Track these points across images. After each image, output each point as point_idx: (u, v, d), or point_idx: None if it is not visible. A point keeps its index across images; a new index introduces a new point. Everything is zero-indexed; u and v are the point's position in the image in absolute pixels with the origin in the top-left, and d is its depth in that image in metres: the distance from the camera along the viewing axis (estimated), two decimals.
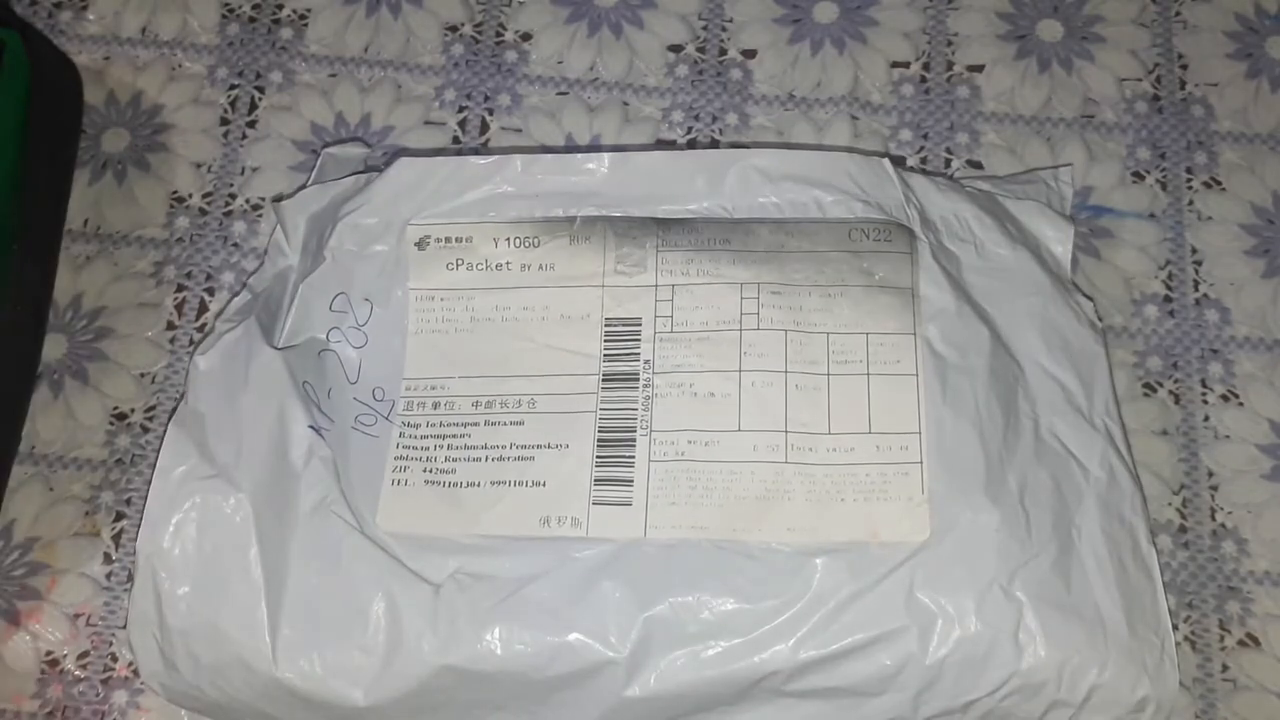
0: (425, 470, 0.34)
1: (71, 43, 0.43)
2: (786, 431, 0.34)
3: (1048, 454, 0.34)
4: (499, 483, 0.34)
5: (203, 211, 0.41)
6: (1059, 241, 0.38)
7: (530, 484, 0.34)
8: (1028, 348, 0.36)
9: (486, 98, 0.42)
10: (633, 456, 0.34)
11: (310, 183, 0.39)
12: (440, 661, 0.32)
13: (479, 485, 0.34)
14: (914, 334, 0.35)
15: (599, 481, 0.34)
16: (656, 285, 0.36)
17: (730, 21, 0.44)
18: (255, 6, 0.44)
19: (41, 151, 0.39)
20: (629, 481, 0.34)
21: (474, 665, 0.32)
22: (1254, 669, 0.36)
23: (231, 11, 0.44)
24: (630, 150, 0.38)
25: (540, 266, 0.36)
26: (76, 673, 0.36)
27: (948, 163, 0.41)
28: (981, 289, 0.36)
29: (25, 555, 0.37)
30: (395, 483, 0.34)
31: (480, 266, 0.36)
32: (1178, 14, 0.43)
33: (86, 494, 0.38)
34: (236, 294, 0.38)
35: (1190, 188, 0.41)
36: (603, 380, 0.35)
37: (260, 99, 0.43)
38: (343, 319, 0.36)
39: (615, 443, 0.34)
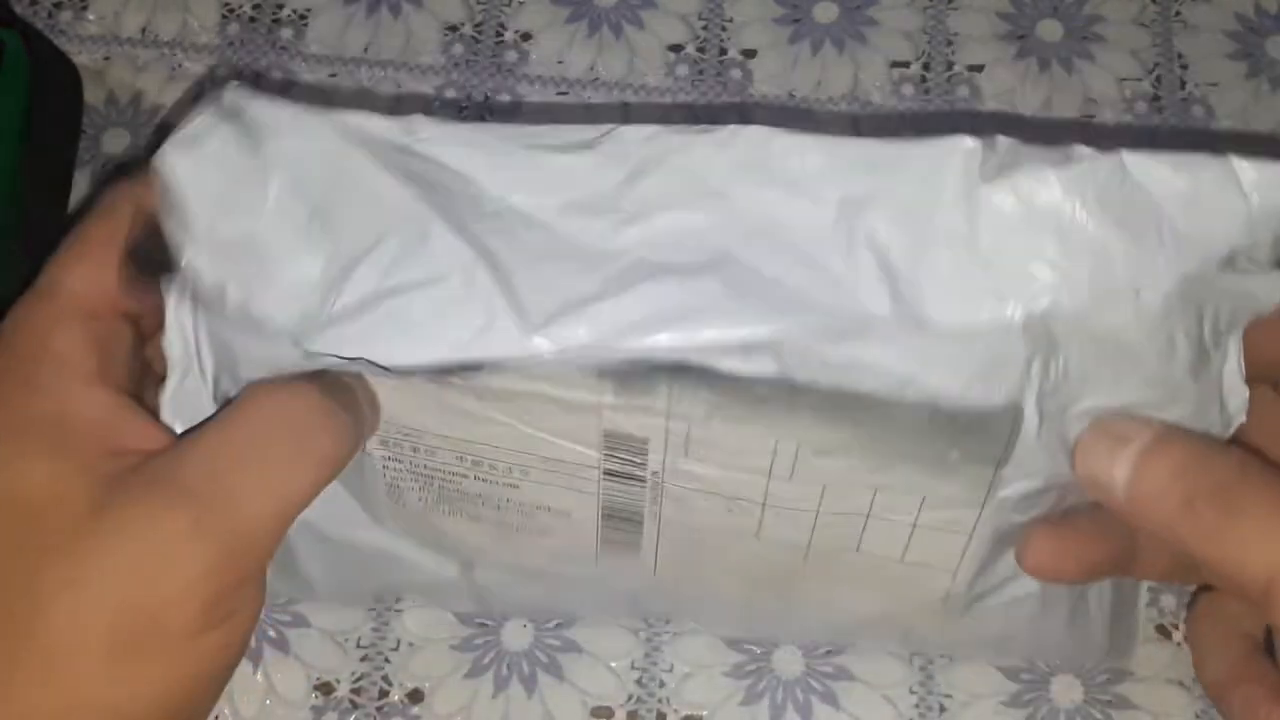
0: (420, 500, 0.30)
1: (71, 43, 0.43)
2: (809, 549, 0.30)
3: None
4: (501, 524, 0.31)
5: None
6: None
7: (534, 531, 0.31)
8: None
9: (486, 98, 0.42)
10: (640, 529, 0.30)
11: None
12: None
13: (479, 521, 0.31)
14: (980, 507, 0.28)
15: (605, 540, 0.31)
16: (668, 421, 0.27)
17: (730, 21, 0.44)
18: (255, 6, 0.44)
19: (41, 151, 0.39)
20: (637, 540, 0.31)
21: None
22: None
23: (231, 11, 0.44)
24: None
25: (521, 377, 0.27)
26: None
27: None
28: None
29: None
30: (391, 499, 0.31)
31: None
32: (1178, 14, 0.43)
33: None
34: None
35: None
36: (604, 474, 0.29)
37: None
38: None
39: (621, 518, 0.30)
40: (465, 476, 0.29)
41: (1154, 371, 0.26)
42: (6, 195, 0.37)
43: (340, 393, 0.26)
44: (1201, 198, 0.26)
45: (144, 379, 0.27)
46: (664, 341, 0.26)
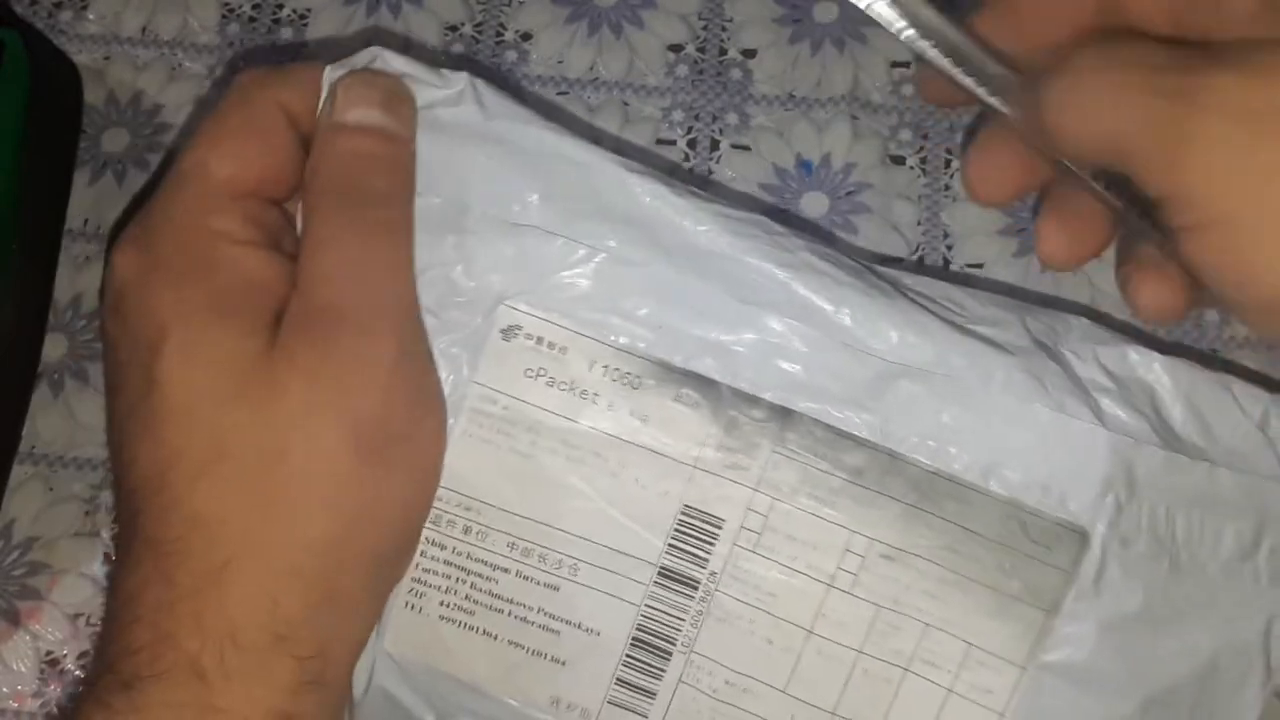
0: (443, 604, 0.30)
1: (71, 43, 0.43)
2: (833, 714, 0.30)
3: None
4: (517, 645, 0.30)
5: None
6: None
7: (550, 658, 0.30)
8: (1166, 717, 0.29)
9: None
10: (663, 670, 0.30)
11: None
12: None
13: (496, 639, 0.30)
14: (1023, 668, 0.29)
15: (620, 681, 0.30)
16: (755, 492, 0.29)
17: (730, 21, 0.44)
18: (255, 6, 0.44)
19: (41, 151, 0.39)
20: (651, 694, 0.30)
21: None
22: None
23: (231, 11, 0.44)
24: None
25: (631, 413, 0.29)
26: (76, 673, 0.36)
27: (948, 163, 0.41)
28: (1149, 622, 0.29)
29: (25, 555, 0.37)
30: (409, 606, 0.30)
31: (564, 387, 0.29)
32: None
33: (86, 494, 0.38)
34: None
35: None
36: (658, 574, 0.30)
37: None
38: None
39: (649, 648, 0.30)
40: (507, 573, 0.30)
41: (1193, 553, 0.29)
42: (6, 195, 0.37)
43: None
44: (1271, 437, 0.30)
45: (284, 235, 0.30)
46: (785, 371, 0.29)
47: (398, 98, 0.29)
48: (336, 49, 0.43)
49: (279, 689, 0.26)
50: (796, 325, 0.29)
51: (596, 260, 0.29)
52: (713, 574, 0.29)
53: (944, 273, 0.40)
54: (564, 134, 0.30)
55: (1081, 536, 0.29)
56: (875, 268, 0.31)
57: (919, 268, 0.40)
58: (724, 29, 0.43)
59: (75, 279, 0.40)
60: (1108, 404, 0.29)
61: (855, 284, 0.30)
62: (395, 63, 0.30)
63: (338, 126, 0.29)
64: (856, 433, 0.29)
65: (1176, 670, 0.29)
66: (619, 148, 0.42)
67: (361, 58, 0.30)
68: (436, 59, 0.43)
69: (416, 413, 0.28)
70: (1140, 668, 0.29)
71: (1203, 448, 0.30)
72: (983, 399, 0.29)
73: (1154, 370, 0.30)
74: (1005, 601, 0.29)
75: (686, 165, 0.41)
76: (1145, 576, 0.29)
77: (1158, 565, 0.29)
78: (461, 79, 0.30)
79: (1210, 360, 0.38)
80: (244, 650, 0.26)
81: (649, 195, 0.30)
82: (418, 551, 0.30)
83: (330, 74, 0.30)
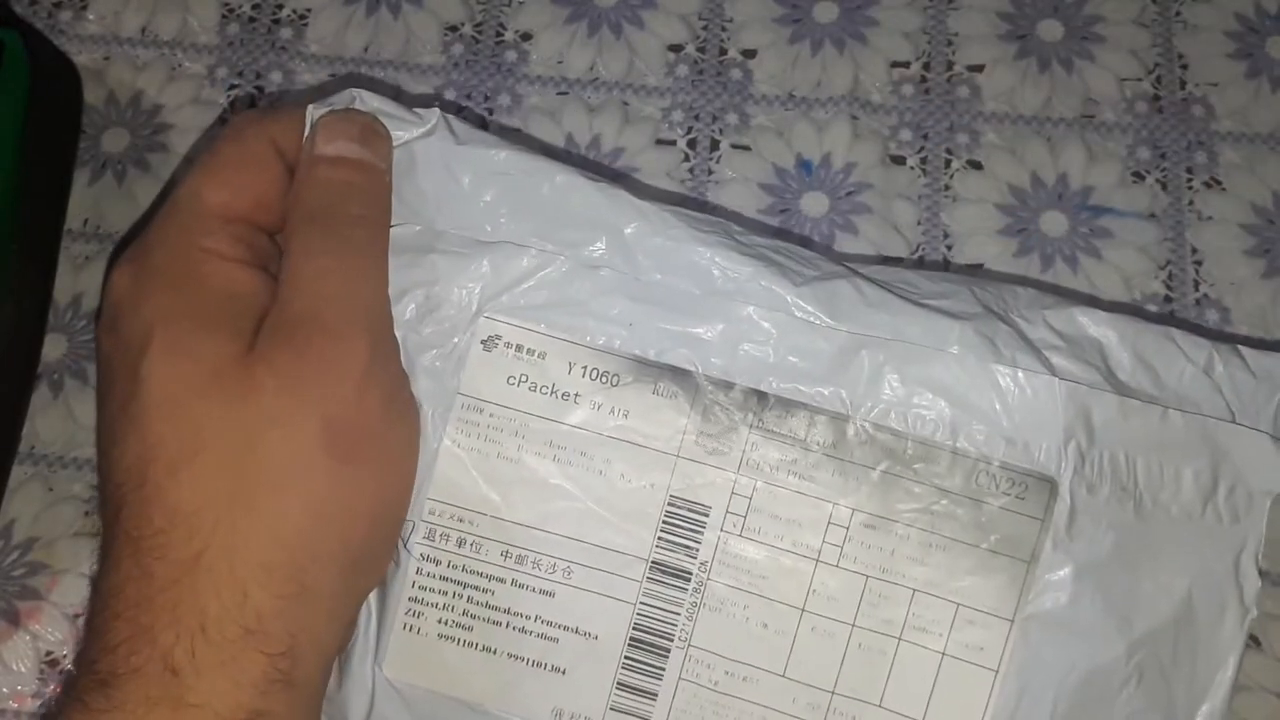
0: (441, 621, 0.30)
1: (71, 43, 0.43)
2: (833, 693, 0.30)
3: None
4: (516, 658, 0.30)
5: None
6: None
7: (550, 668, 0.30)
8: (1152, 657, 0.30)
9: (486, 98, 0.42)
10: (663, 668, 0.30)
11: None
12: None
13: (495, 653, 0.30)
14: (1011, 621, 0.30)
15: (621, 685, 0.30)
16: (737, 475, 0.30)
17: (730, 21, 0.44)
18: (255, 6, 0.44)
19: (41, 151, 0.39)
20: (653, 695, 0.30)
21: None
22: (1254, 669, 0.36)
23: (231, 11, 0.44)
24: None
25: (612, 410, 0.30)
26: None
27: (948, 163, 0.41)
28: (1123, 566, 0.30)
29: (25, 555, 0.37)
30: (407, 627, 0.30)
31: (545, 390, 0.30)
32: (1178, 14, 0.43)
33: (86, 494, 0.38)
34: None
35: (1190, 188, 0.41)
36: (650, 569, 0.30)
37: (260, 99, 0.43)
38: None
39: (647, 646, 0.30)
40: (503, 583, 0.30)
41: (1155, 495, 0.30)
42: (6, 194, 0.37)
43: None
44: (1219, 381, 0.31)
45: (270, 260, 0.31)
46: (751, 351, 0.30)
47: (373, 132, 0.31)
48: (336, 47, 0.43)
49: (248, 685, 0.27)
50: (761, 311, 0.30)
51: (567, 267, 0.31)
52: (703, 563, 0.30)
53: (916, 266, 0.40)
54: (531, 154, 0.31)
55: (1051, 485, 0.30)
56: (829, 259, 0.33)
57: (919, 268, 0.40)
58: (724, 29, 0.43)
59: (75, 279, 0.40)
60: (1059, 360, 0.31)
61: (812, 270, 0.31)
62: (372, 102, 0.31)
63: (318, 158, 0.30)
64: (827, 406, 0.30)
65: (1155, 612, 0.30)
66: (616, 150, 0.42)
67: (342, 98, 0.32)
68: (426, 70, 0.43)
69: (389, 417, 0.29)
70: (1121, 612, 0.30)
71: (1153, 394, 0.31)
72: (941, 362, 0.30)
73: (1100, 326, 0.31)
74: (986, 557, 0.30)
75: (686, 165, 0.41)
76: (1114, 521, 0.30)
77: (1124, 510, 0.30)
78: (434, 114, 0.31)
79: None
80: (214, 644, 0.26)
81: (614, 202, 0.31)
82: (414, 569, 0.30)
83: (313, 112, 0.31)
